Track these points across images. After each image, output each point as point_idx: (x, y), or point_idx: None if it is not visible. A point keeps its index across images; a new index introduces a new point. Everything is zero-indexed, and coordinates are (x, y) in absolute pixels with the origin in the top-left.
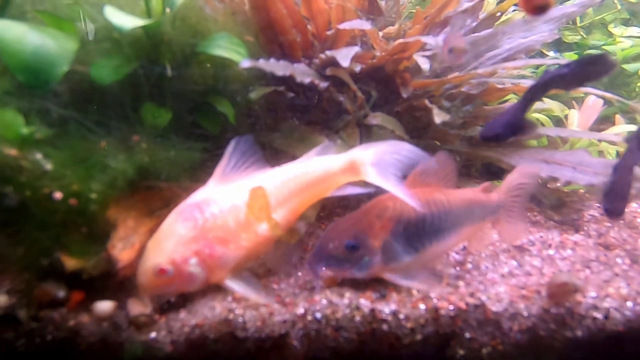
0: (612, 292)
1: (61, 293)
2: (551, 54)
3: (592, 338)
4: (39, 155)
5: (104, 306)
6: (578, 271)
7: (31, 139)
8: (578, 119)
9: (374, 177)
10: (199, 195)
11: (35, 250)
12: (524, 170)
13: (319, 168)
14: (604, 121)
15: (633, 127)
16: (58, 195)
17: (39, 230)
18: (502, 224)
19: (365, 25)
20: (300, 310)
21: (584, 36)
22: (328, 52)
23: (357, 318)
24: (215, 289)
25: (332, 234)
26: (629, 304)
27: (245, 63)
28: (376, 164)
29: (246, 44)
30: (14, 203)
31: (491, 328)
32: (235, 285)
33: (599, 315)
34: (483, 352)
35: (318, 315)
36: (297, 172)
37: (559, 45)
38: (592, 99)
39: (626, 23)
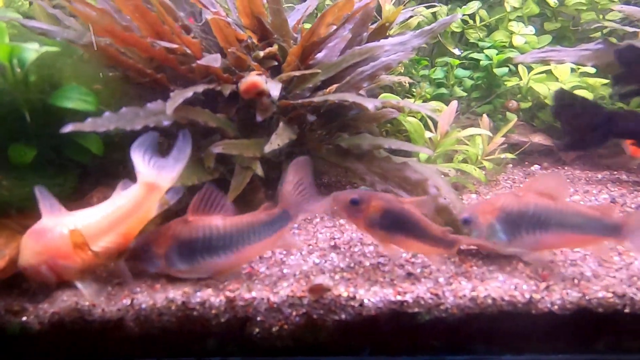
0: None
1: None
2: (455, 51)
3: None
4: None
5: None
6: None
7: None
8: (439, 124)
9: (168, 178)
10: (39, 223)
11: None
12: (290, 171)
13: (125, 200)
14: None
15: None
16: None
17: None
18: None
19: (215, 62)
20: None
21: (480, 36)
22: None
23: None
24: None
25: (140, 242)
26: None
27: (68, 127)
28: (158, 166)
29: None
30: None
31: None
32: (80, 286)
33: None
34: None
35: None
36: (112, 208)
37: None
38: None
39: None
